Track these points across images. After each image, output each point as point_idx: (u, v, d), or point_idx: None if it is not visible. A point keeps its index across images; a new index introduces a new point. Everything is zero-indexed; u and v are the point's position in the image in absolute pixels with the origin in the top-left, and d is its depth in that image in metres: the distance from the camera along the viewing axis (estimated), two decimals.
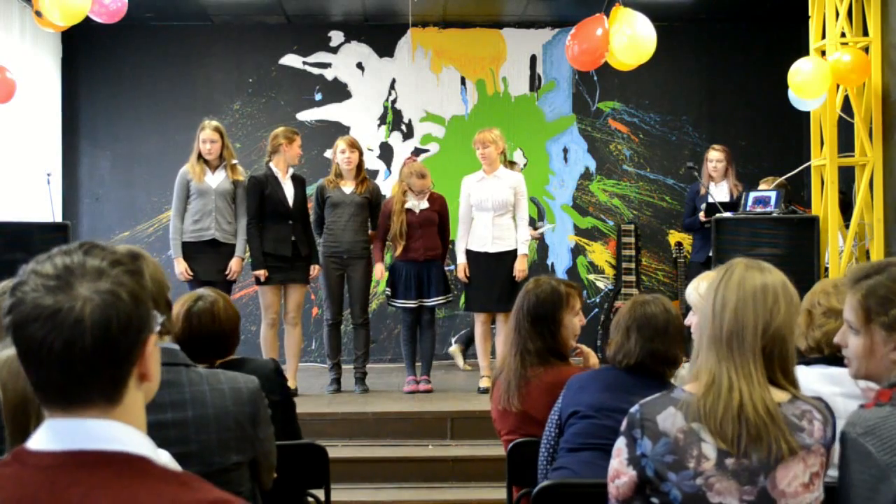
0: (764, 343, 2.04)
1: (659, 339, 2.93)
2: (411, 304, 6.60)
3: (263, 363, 3.39)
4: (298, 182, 6.58)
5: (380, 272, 6.73)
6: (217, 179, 6.36)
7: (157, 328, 1.29)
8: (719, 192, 7.17)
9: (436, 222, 6.63)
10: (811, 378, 2.52)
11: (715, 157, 7.24)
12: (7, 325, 1.21)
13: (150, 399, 1.31)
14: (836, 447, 2.01)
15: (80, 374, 1.20)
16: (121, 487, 1.16)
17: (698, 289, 2.96)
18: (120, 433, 1.22)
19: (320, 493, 3.47)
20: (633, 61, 6.25)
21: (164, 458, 1.78)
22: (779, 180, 7.02)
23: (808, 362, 2.60)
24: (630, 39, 5.99)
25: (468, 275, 6.54)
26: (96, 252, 1.24)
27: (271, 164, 6.51)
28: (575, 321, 3.48)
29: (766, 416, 1.98)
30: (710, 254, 6.56)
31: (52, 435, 1.21)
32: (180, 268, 6.24)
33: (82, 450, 1.19)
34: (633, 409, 2.12)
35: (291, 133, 6.54)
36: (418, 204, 6.60)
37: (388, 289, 6.72)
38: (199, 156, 6.34)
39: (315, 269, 6.57)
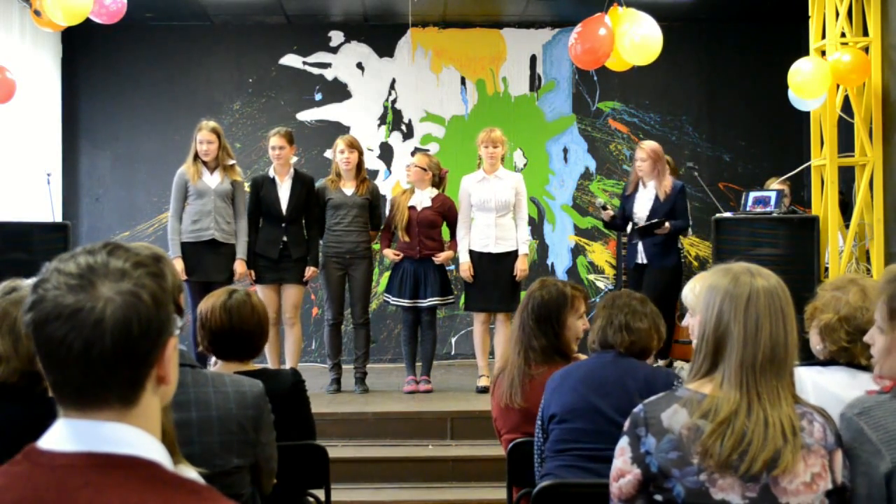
0: (791, 359, 2.06)
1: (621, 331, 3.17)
2: (405, 303, 6.59)
3: (282, 378, 3.25)
4: (301, 182, 6.55)
5: (391, 254, 6.67)
6: (215, 180, 6.36)
7: (177, 331, 1.29)
8: (647, 193, 6.60)
9: (437, 224, 6.61)
10: (827, 380, 2.52)
11: (638, 156, 6.62)
12: (27, 323, 1.20)
13: (166, 402, 1.31)
14: (839, 455, 2.02)
15: (99, 374, 1.19)
16: (130, 492, 1.16)
17: (694, 290, 2.95)
18: (133, 437, 1.21)
19: (320, 493, 3.47)
20: (640, 62, 6.27)
21: (191, 474, 1.78)
22: (779, 181, 7.02)
23: (823, 363, 2.60)
24: (643, 40, 6.02)
25: (473, 272, 6.51)
26: (120, 253, 1.24)
27: (272, 167, 6.58)
28: (578, 324, 3.51)
29: (791, 433, 1.98)
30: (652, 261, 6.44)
31: (65, 435, 1.21)
32: (178, 267, 6.24)
33: (94, 452, 1.19)
34: (636, 409, 2.12)
35: (270, 135, 6.54)
36: (420, 201, 6.60)
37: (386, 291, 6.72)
38: (196, 156, 6.35)
39: (309, 271, 6.53)
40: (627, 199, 6.75)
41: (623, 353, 3.13)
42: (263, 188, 6.49)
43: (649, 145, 6.67)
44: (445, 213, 6.63)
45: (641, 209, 6.59)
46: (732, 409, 2.00)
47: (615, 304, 3.19)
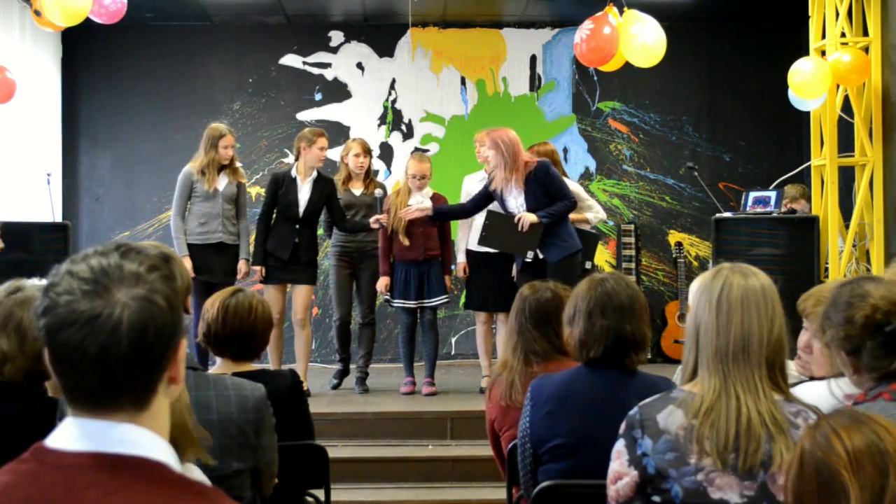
0: (768, 353, 2.07)
1: (627, 319, 2.77)
2: (411, 304, 6.56)
3: (281, 379, 3.24)
4: (321, 185, 6.38)
5: (383, 285, 6.48)
6: (223, 183, 6.34)
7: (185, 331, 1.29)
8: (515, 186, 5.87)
9: (436, 224, 6.59)
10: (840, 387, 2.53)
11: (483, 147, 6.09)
12: (40, 328, 1.20)
13: (174, 399, 1.31)
14: None
15: (114, 379, 1.19)
16: (136, 492, 1.16)
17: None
18: (142, 438, 1.21)
19: (320, 493, 3.47)
20: (645, 64, 6.27)
21: (197, 475, 1.79)
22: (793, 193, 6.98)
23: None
24: (654, 43, 6.02)
25: (467, 273, 6.55)
26: (133, 255, 1.23)
27: (294, 166, 6.44)
28: None
29: (774, 427, 1.99)
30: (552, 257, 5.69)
31: (74, 435, 1.21)
32: (186, 266, 6.20)
33: (102, 452, 1.19)
34: (632, 412, 2.13)
35: (312, 135, 6.38)
36: (420, 202, 6.57)
37: (387, 293, 6.63)
38: (214, 161, 6.26)
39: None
40: (497, 193, 5.93)
41: (625, 369, 2.88)
42: (283, 186, 6.36)
43: (488, 134, 5.91)
44: None
45: (515, 202, 5.88)
46: (714, 397, 2.04)
47: (610, 305, 2.80)
